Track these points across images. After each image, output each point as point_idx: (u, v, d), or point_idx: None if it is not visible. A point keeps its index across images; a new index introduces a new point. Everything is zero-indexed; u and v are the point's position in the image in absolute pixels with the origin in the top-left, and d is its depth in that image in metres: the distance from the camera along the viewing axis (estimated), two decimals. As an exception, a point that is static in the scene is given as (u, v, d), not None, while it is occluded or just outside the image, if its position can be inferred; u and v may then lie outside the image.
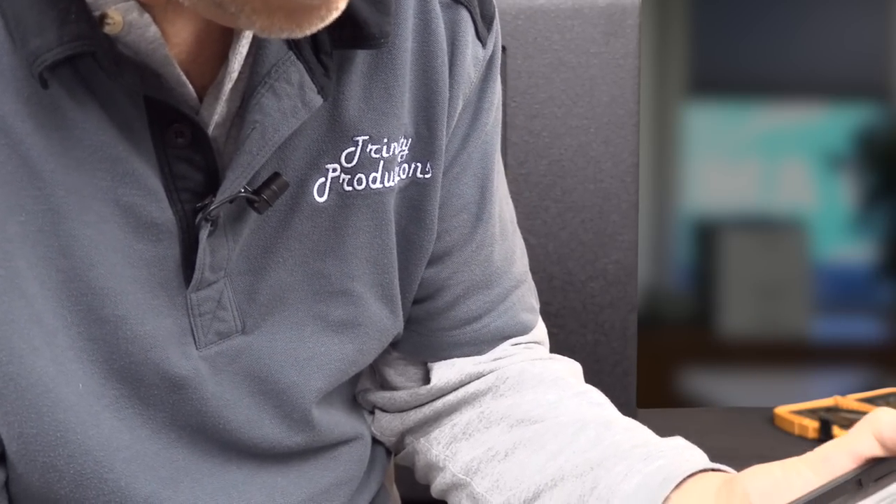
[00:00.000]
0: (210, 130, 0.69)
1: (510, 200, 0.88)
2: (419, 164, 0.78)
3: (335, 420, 0.81)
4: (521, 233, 0.91)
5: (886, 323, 2.70)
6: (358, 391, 0.88)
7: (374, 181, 0.75)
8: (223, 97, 0.69)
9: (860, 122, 2.91)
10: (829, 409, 1.26)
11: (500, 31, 0.83)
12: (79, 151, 0.66)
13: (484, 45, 0.80)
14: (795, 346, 2.67)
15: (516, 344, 0.86)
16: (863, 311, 2.80)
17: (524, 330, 0.87)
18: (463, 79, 0.79)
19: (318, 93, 0.70)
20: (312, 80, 0.70)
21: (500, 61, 0.83)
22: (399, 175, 0.77)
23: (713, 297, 2.91)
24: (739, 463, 1.19)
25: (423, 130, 0.77)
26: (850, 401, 1.28)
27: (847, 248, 2.83)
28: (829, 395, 1.33)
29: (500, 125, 0.86)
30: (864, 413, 1.23)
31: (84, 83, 0.66)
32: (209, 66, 0.70)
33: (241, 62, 0.69)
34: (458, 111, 0.79)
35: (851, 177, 2.93)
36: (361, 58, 0.74)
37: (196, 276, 0.70)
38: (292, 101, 0.69)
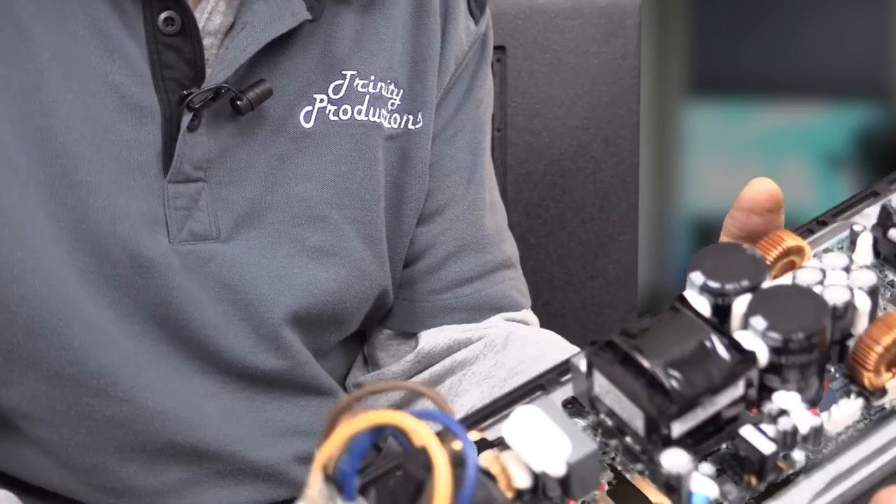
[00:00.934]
0: (201, 27, 0.73)
1: (500, 200, 0.90)
2: (410, 116, 0.81)
3: (307, 359, 0.80)
4: (521, 232, 0.91)
5: (886, 323, 2.70)
6: (349, 384, 0.88)
7: (360, 113, 0.78)
8: (216, 2, 0.73)
9: (860, 122, 2.91)
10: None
11: (491, 23, 0.87)
12: (72, 23, 0.70)
13: (476, 21, 0.85)
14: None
15: (510, 320, 0.87)
16: None
17: (516, 306, 0.88)
18: (454, 42, 0.82)
19: (307, 10, 0.74)
20: None
21: (491, 49, 0.87)
22: (391, 123, 0.80)
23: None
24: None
25: (416, 84, 0.81)
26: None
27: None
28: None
29: (490, 112, 0.88)
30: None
31: None
32: None
33: None
34: (451, 72, 0.83)
35: (851, 177, 2.93)
36: (358, 3, 0.78)
37: (175, 164, 0.72)
38: (281, 9, 0.73)
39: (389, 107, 0.80)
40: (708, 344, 0.42)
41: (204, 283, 0.75)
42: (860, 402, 0.44)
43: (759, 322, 0.43)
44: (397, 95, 0.80)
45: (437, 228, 0.84)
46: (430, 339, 0.85)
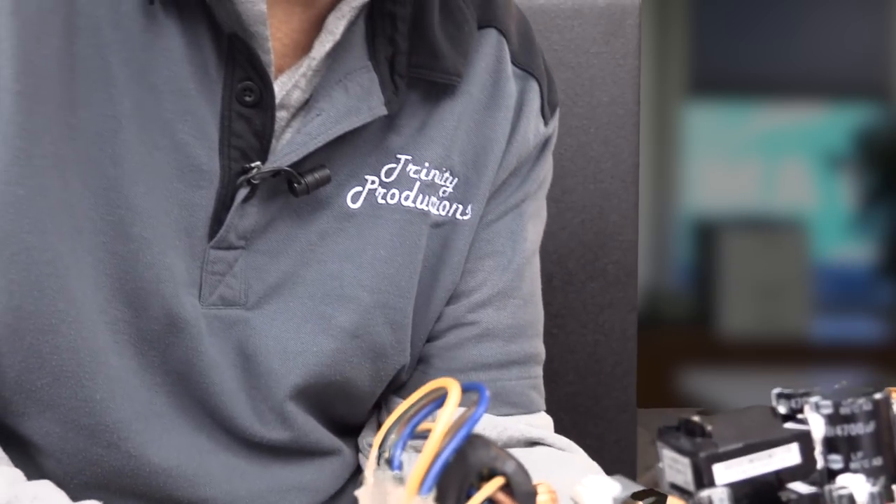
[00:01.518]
0: (277, 100, 0.72)
1: (540, 298, 0.87)
2: (460, 206, 0.80)
3: (313, 428, 0.79)
4: (521, 232, 0.91)
5: (886, 323, 2.70)
6: (363, 444, 0.85)
7: (407, 199, 0.78)
8: (301, 74, 0.72)
9: (860, 122, 2.91)
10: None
11: (557, 120, 0.87)
12: (154, 76, 0.70)
13: (546, 123, 0.84)
14: (795, 347, 2.67)
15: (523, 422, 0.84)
16: (863, 311, 2.80)
17: (530, 407, 0.85)
18: (521, 141, 0.82)
19: (384, 104, 0.74)
20: (383, 92, 0.74)
21: (553, 145, 0.87)
22: (439, 210, 0.79)
23: (713, 297, 2.91)
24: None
25: (472, 175, 0.80)
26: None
27: (847, 248, 2.83)
28: (829, 395, 1.33)
29: (540, 205, 0.87)
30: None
31: (177, 17, 0.70)
32: (292, 54, 0.74)
33: (323, 54, 0.73)
34: (510, 169, 0.82)
35: (851, 177, 2.93)
36: (424, 91, 0.78)
37: (221, 233, 0.72)
38: (359, 102, 0.73)
39: (440, 194, 0.79)
40: (766, 417, 0.45)
41: (224, 348, 0.75)
42: None
43: (816, 398, 0.45)
44: (451, 184, 0.79)
45: (463, 309, 0.82)
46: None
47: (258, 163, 0.72)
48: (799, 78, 2.90)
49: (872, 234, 2.84)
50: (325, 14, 0.73)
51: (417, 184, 0.78)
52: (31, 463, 0.74)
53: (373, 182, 0.77)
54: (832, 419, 0.44)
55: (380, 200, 0.77)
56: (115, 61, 0.70)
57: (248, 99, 0.72)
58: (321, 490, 0.81)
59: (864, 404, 0.44)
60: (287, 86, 0.73)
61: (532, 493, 0.42)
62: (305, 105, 0.74)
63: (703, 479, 0.42)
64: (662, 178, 2.89)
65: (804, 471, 0.44)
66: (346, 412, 0.82)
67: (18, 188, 0.68)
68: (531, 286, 0.86)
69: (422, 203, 0.78)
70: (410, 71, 0.76)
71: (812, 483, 0.44)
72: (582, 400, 1.11)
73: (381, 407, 0.84)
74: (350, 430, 0.84)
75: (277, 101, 0.72)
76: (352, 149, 0.75)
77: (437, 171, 0.78)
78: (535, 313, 0.87)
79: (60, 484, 0.72)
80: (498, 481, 0.41)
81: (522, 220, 0.84)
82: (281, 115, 0.73)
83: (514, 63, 0.82)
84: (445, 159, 0.78)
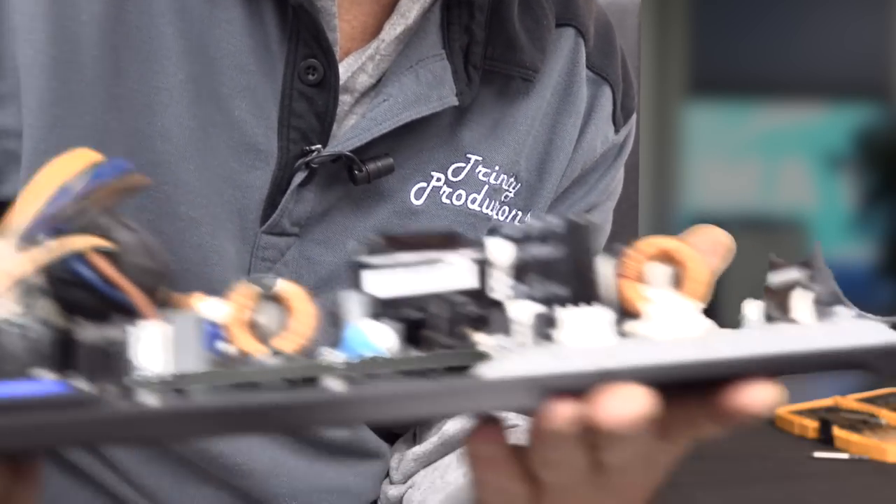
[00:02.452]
0: (342, 82, 0.69)
1: None
2: (520, 213, 0.77)
3: (366, 429, 0.78)
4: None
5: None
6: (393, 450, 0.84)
7: (474, 202, 0.75)
8: (368, 56, 0.70)
9: (860, 122, 2.91)
10: (829, 409, 1.26)
11: (634, 129, 0.83)
12: (212, 49, 0.67)
13: (617, 130, 0.81)
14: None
15: None
16: (862, 310, 2.79)
17: None
18: (587, 148, 0.79)
19: (456, 95, 0.71)
20: (455, 82, 0.71)
21: (627, 154, 0.83)
22: (500, 215, 0.76)
23: (713, 297, 2.90)
24: (739, 463, 1.19)
25: (535, 181, 0.77)
26: (850, 401, 1.28)
27: (847, 248, 2.82)
28: (829, 395, 1.32)
29: (605, 218, 0.84)
30: (864, 413, 1.23)
31: None
32: (360, 35, 0.71)
33: (393, 40, 0.70)
34: (574, 178, 0.79)
35: (851, 177, 2.93)
36: (499, 86, 0.75)
37: (274, 217, 0.70)
38: (430, 90, 0.70)
39: (503, 198, 0.76)
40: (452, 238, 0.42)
41: None
42: (605, 314, 0.40)
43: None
44: (513, 189, 0.76)
45: None
46: (455, 423, 0.80)
47: (318, 146, 0.69)
48: (799, 78, 2.90)
49: (872, 234, 2.83)
50: None
51: (486, 187, 0.75)
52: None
53: (438, 179, 0.74)
54: (521, 240, 0.42)
55: (444, 200, 0.74)
56: (170, 31, 0.67)
57: (311, 77, 0.68)
58: (361, 495, 0.79)
59: (553, 226, 0.41)
60: (353, 68, 0.70)
61: (147, 269, 0.39)
62: (372, 90, 0.71)
63: (350, 281, 0.41)
64: (662, 178, 2.89)
65: (482, 296, 0.41)
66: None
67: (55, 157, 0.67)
68: None
69: (487, 208, 0.75)
70: (486, 63, 0.73)
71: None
72: (582, 400, 1.11)
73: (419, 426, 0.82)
74: (393, 436, 0.83)
75: (342, 82, 0.70)
76: (419, 141, 0.72)
77: (506, 176, 0.75)
78: None
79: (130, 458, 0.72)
80: (90, 241, 0.38)
81: None
82: (345, 99, 0.70)
83: (588, 66, 0.79)
84: (514, 164, 0.76)
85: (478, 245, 0.41)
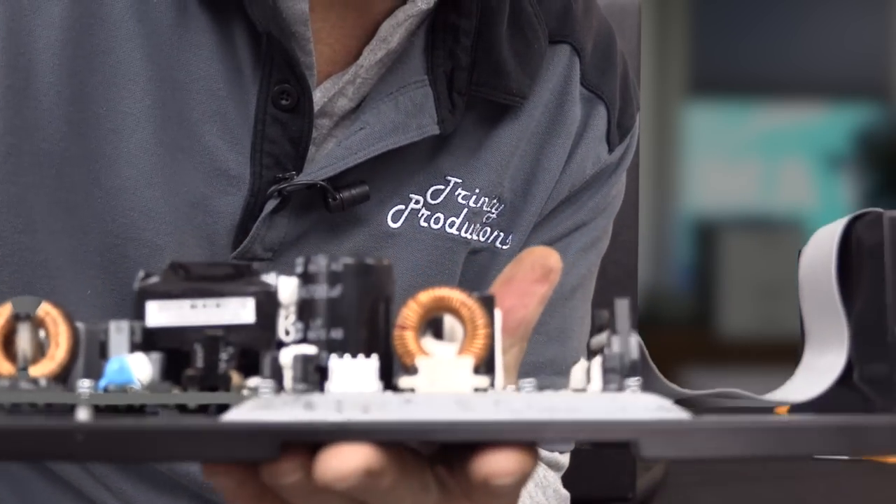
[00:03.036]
0: (320, 106, 0.68)
1: (581, 332, 0.83)
2: (502, 234, 0.75)
3: None
4: (521, 233, 0.90)
5: (886, 323, 2.70)
6: None
7: (452, 226, 0.73)
8: (347, 81, 0.68)
9: (860, 122, 2.91)
10: (829, 409, 1.27)
11: (635, 143, 0.80)
12: (181, 74, 0.66)
13: (610, 150, 0.78)
14: (795, 346, 2.66)
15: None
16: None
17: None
18: (577, 169, 0.76)
19: (437, 123, 0.69)
20: (437, 109, 0.70)
21: (624, 170, 0.81)
22: (480, 236, 0.74)
23: (713, 297, 2.91)
24: (739, 463, 1.19)
25: (520, 203, 0.75)
26: (850, 401, 1.28)
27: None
28: (829, 395, 1.33)
29: (599, 237, 0.81)
30: (864, 413, 1.24)
31: (211, 12, 0.66)
32: (342, 58, 0.69)
33: (374, 64, 0.69)
34: (560, 199, 0.77)
35: (851, 177, 2.93)
36: (485, 108, 0.72)
37: (246, 243, 0.68)
38: (409, 118, 0.69)
39: (484, 220, 0.74)
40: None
41: None
42: (373, 365, 0.38)
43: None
44: (496, 210, 0.74)
45: None
46: None
47: (292, 172, 0.68)
48: (799, 78, 2.91)
49: (872, 234, 2.83)
50: (381, 22, 0.69)
51: (465, 210, 0.73)
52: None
53: (417, 202, 0.72)
54: (303, 278, 0.40)
55: (422, 223, 0.72)
56: (137, 56, 0.66)
57: (284, 102, 0.67)
58: None
59: (330, 264, 0.39)
60: (331, 92, 0.69)
61: None
62: (353, 113, 0.70)
63: (135, 311, 0.39)
64: (662, 178, 2.89)
65: (260, 334, 0.39)
66: None
67: (11, 186, 0.66)
68: (562, 323, 0.81)
69: (466, 231, 0.73)
70: (471, 89, 0.70)
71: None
72: (582, 400, 1.11)
73: None
74: None
75: (319, 107, 0.68)
76: (398, 165, 0.70)
77: (487, 198, 0.73)
78: (561, 351, 0.81)
79: (101, 470, 0.72)
80: None
81: (568, 251, 0.79)
82: (323, 123, 0.69)
83: (583, 84, 0.76)
84: (497, 186, 0.73)
85: (264, 281, 0.40)
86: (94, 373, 0.38)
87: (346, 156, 0.67)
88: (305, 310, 0.39)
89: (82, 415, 0.36)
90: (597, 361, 0.39)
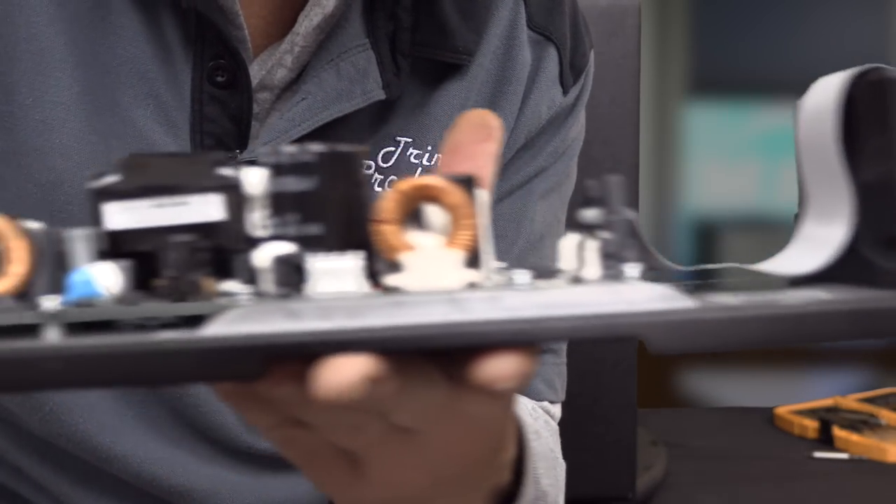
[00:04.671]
0: (258, 80, 0.66)
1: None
2: None
3: None
4: (522, 233, 0.90)
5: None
6: None
7: None
8: (285, 50, 0.66)
9: (860, 122, 2.91)
10: (829, 409, 1.27)
11: (590, 83, 0.78)
12: (108, 57, 0.64)
13: (565, 92, 0.76)
14: (795, 347, 2.67)
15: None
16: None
17: (537, 396, 0.78)
18: (531, 115, 0.75)
19: (382, 87, 0.67)
20: (381, 74, 0.67)
21: (581, 110, 0.79)
22: None
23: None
24: (739, 463, 1.19)
25: None
26: (850, 401, 1.28)
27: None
28: (829, 395, 1.33)
29: (562, 181, 0.79)
30: (864, 413, 1.23)
31: None
32: (276, 30, 0.67)
33: (311, 30, 0.66)
34: (517, 147, 0.75)
35: (851, 177, 2.92)
36: (430, 67, 0.71)
37: None
38: (352, 85, 0.67)
39: None
40: (203, 163, 0.37)
41: None
42: (357, 263, 0.35)
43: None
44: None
45: None
46: None
47: (237, 151, 0.66)
48: (799, 78, 2.90)
49: (872, 234, 2.83)
50: None
51: (419, 170, 0.71)
52: (18, 445, 0.72)
53: (368, 167, 0.70)
54: (275, 170, 0.36)
55: (377, 188, 0.70)
56: (61, 42, 0.63)
57: (219, 79, 0.65)
58: (309, 500, 0.76)
59: (307, 154, 0.36)
60: (268, 64, 0.67)
61: None
62: (293, 85, 0.68)
63: (92, 216, 0.36)
64: (662, 178, 2.89)
65: (231, 232, 0.36)
66: None
67: None
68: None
69: None
70: (414, 49, 0.69)
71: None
72: (582, 400, 1.11)
73: None
74: None
75: (258, 80, 0.66)
76: (345, 132, 0.68)
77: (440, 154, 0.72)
78: None
79: (49, 478, 0.70)
80: None
81: (530, 198, 0.77)
82: (264, 97, 0.67)
83: (530, 27, 0.74)
84: None
85: (230, 175, 0.36)
86: (56, 288, 0.35)
87: (289, 128, 0.65)
88: (278, 204, 0.36)
89: (52, 335, 0.33)
90: (592, 245, 0.36)
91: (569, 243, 0.37)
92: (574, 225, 0.37)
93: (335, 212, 0.36)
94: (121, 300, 0.34)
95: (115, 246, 0.36)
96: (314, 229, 0.36)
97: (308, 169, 0.36)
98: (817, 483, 1.07)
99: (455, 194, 0.36)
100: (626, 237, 0.36)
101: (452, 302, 0.34)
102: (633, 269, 0.35)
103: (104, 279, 0.34)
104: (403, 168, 0.71)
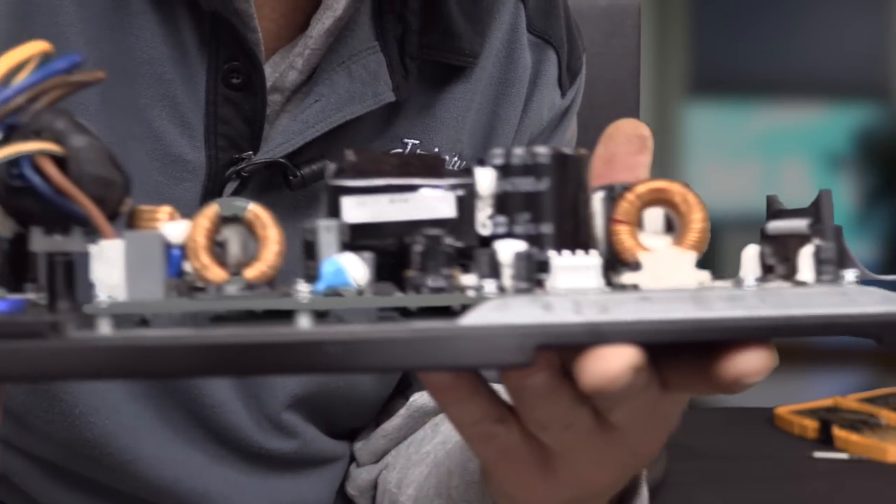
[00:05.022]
0: (270, 82, 0.67)
1: None
2: None
3: (314, 437, 0.77)
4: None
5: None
6: (355, 447, 0.82)
7: None
8: (297, 53, 0.66)
9: (860, 122, 2.91)
10: (829, 410, 1.27)
11: (583, 86, 0.80)
12: (126, 59, 0.64)
13: (563, 94, 0.78)
14: (795, 347, 2.67)
15: None
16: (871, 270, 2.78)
17: None
18: (534, 116, 0.76)
19: (392, 90, 0.68)
20: (390, 76, 0.68)
21: (575, 112, 0.80)
22: None
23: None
24: (739, 463, 1.19)
25: (480, 156, 0.74)
26: (850, 401, 1.28)
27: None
28: (829, 395, 1.33)
29: None
30: (864, 413, 1.23)
31: None
32: (287, 33, 0.68)
33: (322, 33, 0.67)
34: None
35: (851, 177, 2.93)
36: (436, 69, 0.71)
37: None
38: (364, 87, 0.67)
39: None
40: (433, 163, 0.39)
41: None
42: (597, 261, 0.37)
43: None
44: (457, 167, 0.71)
45: None
46: (424, 394, 0.77)
47: (249, 152, 0.66)
48: (799, 78, 2.90)
49: (872, 234, 2.83)
50: None
51: None
52: (22, 461, 0.72)
53: None
54: (504, 171, 0.38)
55: None
56: (81, 42, 0.64)
57: (234, 81, 0.65)
58: (320, 501, 0.77)
59: (540, 156, 0.38)
60: (280, 66, 0.67)
61: (101, 178, 0.36)
62: (304, 87, 0.68)
63: (330, 210, 0.38)
64: (662, 178, 2.89)
65: (461, 229, 0.38)
66: (350, 419, 0.78)
67: None
68: None
69: None
70: (422, 52, 0.69)
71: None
72: (582, 400, 1.11)
73: (382, 409, 0.80)
74: (353, 434, 0.80)
75: (270, 83, 0.66)
76: (353, 134, 0.69)
77: (447, 157, 0.72)
78: None
79: (55, 487, 0.70)
80: (40, 145, 0.35)
81: None
82: (274, 99, 0.67)
83: (529, 30, 0.75)
84: (455, 143, 0.72)
85: (462, 172, 0.38)
86: (301, 275, 0.37)
87: (303, 130, 0.66)
88: (509, 203, 0.38)
89: (304, 322, 0.35)
90: (807, 251, 0.38)
91: (751, 252, 0.40)
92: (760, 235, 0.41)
93: (564, 212, 0.38)
94: (376, 291, 0.36)
95: (353, 238, 0.37)
96: (544, 228, 0.38)
97: (540, 171, 0.38)
98: (817, 483, 1.07)
99: (689, 197, 0.39)
100: (838, 244, 0.39)
101: (695, 300, 0.36)
102: (850, 274, 0.38)
103: (353, 269, 0.36)
104: None
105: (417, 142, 0.71)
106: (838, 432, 1.16)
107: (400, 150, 0.71)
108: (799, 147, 2.89)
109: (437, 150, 0.72)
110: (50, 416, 0.68)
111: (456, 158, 0.72)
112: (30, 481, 0.72)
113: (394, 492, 0.74)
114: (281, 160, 0.66)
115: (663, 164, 2.87)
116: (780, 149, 2.87)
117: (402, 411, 0.77)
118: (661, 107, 2.91)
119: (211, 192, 0.66)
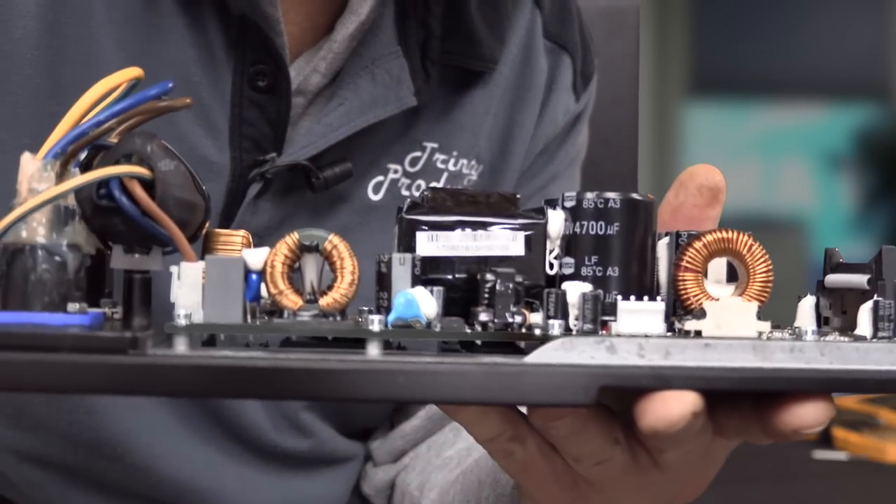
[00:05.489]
0: (294, 86, 0.67)
1: None
2: None
3: (330, 436, 0.77)
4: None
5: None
6: (370, 447, 0.83)
7: None
8: (321, 57, 0.67)
9: (860, 122, 2.91)
10: (828, 409, 1.26)
11: (595, 92, 0.81)
12: (155, 60, 0.65)
13: (577, 99, 0.79)
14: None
15: None
16: None
17: None
18: (549, 121, 0.77)
19: (414, 94, 0.69)
20: (412, 80, 0.69)
21: (587, 117, 0.82)
22: None
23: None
24: (739, 463, 1.19)
25: (498, 162, 0.75)
26: (849, 401, 1.28)
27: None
28: (829, 395, 1.32)
29: (568, 184, 0.82)
30: (864, 413, 1.23)
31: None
32: (311, 37, 0.68)
33: (346, 38, 0.68)
34: (537, 152, 0.77)
35: (851, 177, 2.93)
36: (457, 74, 0.72)
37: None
38: (387, 91, 0.68)
39: (465, 182, 0.74)
40: (505, 201, 0.40)
41: None
42: (661, 307, 0.38)
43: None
44: (476, 171, 0.74)
45: None
46: None
47: (273, 154, 0.67)
48: (799, 78, 2.90)
49: (872, 234, 2.83)
50: None
51: (445, 175, 0.73)
52: (39, 471, 0.73)
53: (395, 171, 0.72)
54: (574, 213, 0.39)
55: (404, 192, 0.72)
56: (110, 43, 0.65)
57: (260, 84, 0.66)
58: (334, 500, 0.77)
59: (611, 201, 0.39)
60: (305, 70, 0.68)
61: (185, 202, 0.37)
62: (326, 90, 0.69)
63: (403, 243, 0.39)
64: (662, 178, 2.89)
65: (528, 267, 0.39)
66: (365, 419, 0.79)
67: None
68: None
69: None
70: (443, 57, 0.70)
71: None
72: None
73: (397, 408, 0.80)
74: (367, 433, 0.80)
75: (295, 86, 0.67)
76: (374, 137, 0.70)
77: (465, 161, 0.73)
78: None
79: (69, 491, 0.71)
80: (130, 168, 0.37)
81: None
82: (298, 102, 0.68)
83: (545, 36, 0.76)
84: (473, 147, 0.73)
85: (533, 212, 0.39)
86: (373, 306, 0.38)
87: (326, 133, 0.67)
88: (577, 245, 0.39)
89: (373, 351, 0.36)
90: (866, 306, 0.39)
91: (808, 303, 0.41)
92: (819, 287, 0.42)
93: (631, 256, 0.39)
94: (445, 325, 0.37)
95: (423, 271, 0.39)
96: (611, 271, 0.39)
97: (610, 215, 0.39)
98: (817, 483, 1.07)
99: (755, 249, 0.39)
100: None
101: (756, 349, 0.37)
102: None
103: (424, 303, 0.37)
104: (430, 173, 0.72)
105: (437, 145, 0.72)
106: (838, 432, 1.16)
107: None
108: (799, 147, 2.90)
109: (455, 153, 0.73)
110: (73, 416, 0.69)
111: (475, 162, 0.74)
112: (48, 489, 0.72)
113: (415, 494, 0.74)
114: (304, 162, 0.67)
115: (663, 164, 2.87)
116: (780, 149, 2.88)
117: (422, 413, 0.77)
118: (660, 107, 2.91)
119: (234, 193, 0.67)
